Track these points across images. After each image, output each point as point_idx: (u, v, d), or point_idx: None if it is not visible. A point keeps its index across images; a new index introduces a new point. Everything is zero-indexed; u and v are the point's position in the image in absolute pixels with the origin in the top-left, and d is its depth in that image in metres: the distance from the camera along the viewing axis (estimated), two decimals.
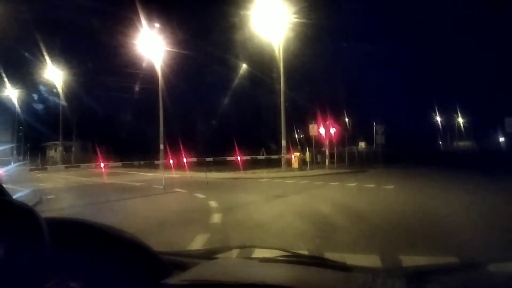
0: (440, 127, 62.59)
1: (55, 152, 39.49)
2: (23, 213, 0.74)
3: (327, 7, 28.89)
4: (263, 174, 18.43)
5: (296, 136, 32.79)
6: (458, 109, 61.21)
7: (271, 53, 22.23)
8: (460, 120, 63.63)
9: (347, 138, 33.76)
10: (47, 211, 8.09)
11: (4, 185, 0.86)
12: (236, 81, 32.27)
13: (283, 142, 21.07)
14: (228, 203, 8.59)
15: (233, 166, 20.44)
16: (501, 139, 44.22)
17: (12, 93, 34.96)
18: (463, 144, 59.95)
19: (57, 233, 0.79)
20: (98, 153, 27.49)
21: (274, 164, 21.30)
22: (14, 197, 0.81)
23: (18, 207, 0.74)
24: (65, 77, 33.07)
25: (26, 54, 29.53)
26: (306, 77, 32.58)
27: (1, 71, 29.56)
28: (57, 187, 14.72)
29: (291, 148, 22.50)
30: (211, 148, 28.33)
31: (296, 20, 20.78)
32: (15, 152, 38.41)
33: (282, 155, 21.14)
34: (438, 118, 61.93)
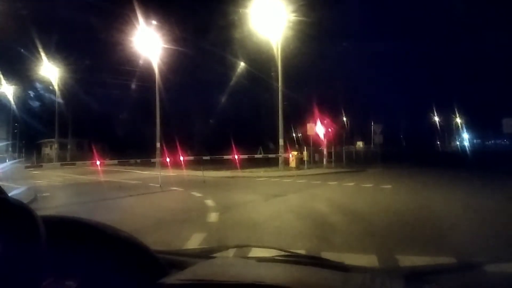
0: (438, 127, 62.74)
1: (50, 150, 39.29)
2: (18, 211, 0.73)
3: (326, 5, 28.94)
4: (261, 173, 18.42)
5: (294, 135, 32.83)
6: (456, 110, 61.33)
7: (270, 51, 22.26)
8: (458, 120, 63.83)
9: (345, 138, 33.85)
10: (42, 209, 8.05)
11: None
12: (234, 80, 32.23)
13: (281, 141, 21.08)
14: (225, 202, 8.57)
15: (230, 165, 20.42)
16: (499, 140, 44.54)
17: (8, 90, 34.78)
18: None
19: (53, 231, 0.78)
20: (94, 150, 27.37)
21: (271, 163, 21.31)
22: (9, 194, 0.80)
23: (13, 204, 0.73)
24: (61, 74, 32.92)
25: (22, 50, 29.31)
26: (304, 76, 32.60)
27: None
28: (53, 185, 14.65)
29: (288, 147, 22.52)
30: (209, 147, 28.30)
31: (295, 18, 20.82)
32: (10, 149, 38.25)
33: (279, 154, 21.14)
34: (436, 118, 62.05)
